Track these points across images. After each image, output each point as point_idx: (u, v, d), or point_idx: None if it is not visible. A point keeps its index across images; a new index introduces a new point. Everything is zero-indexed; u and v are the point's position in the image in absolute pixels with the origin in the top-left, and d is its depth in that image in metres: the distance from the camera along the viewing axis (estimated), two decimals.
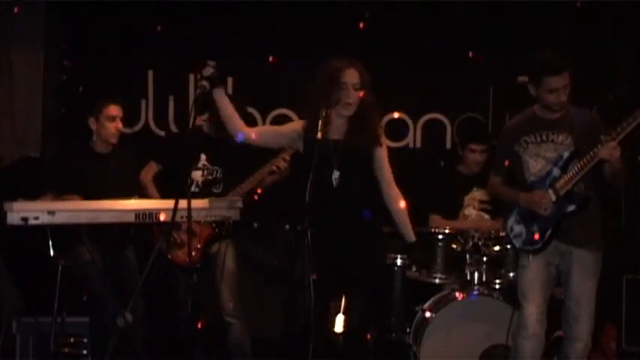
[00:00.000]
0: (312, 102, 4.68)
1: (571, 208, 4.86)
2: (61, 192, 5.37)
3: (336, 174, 4.63)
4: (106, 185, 5.52)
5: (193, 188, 5.75)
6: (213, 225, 5.63)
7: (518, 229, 5.02)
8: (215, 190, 5.75)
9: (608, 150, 4.65)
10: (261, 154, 5.86)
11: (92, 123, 5.70)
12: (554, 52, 4.84)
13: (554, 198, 4.84)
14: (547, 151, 4.94)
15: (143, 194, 5.66)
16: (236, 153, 5.78)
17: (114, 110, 5.70)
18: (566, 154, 4.86)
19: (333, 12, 6.71)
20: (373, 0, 6.61)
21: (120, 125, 5.76)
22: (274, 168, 5.62)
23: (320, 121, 4.48)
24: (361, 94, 4.69)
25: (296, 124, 4.97)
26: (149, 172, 5.90)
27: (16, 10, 6.58)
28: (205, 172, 5.80)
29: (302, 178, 4.59)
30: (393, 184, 4.90)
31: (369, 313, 4.93)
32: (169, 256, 5.65)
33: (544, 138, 4.95)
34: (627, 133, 4.64)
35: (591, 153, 4.71)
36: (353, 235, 4.70)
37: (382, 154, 4.84)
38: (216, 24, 6.85)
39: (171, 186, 5.42)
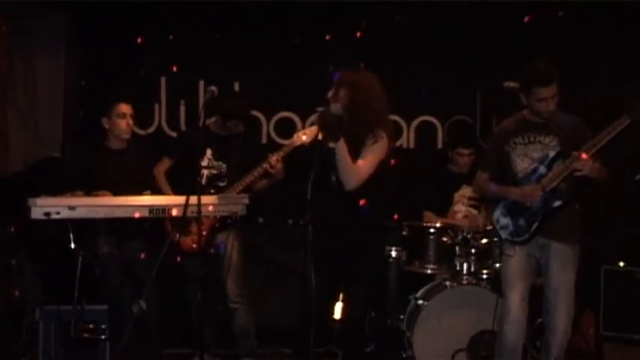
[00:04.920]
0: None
1: (557, 203, 4.89)
2: (88, 189, 5.39)
3: (334, 178, 4.57)
4: (122, 179, 5.53)
5: (204, 181, 5.77)
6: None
7: (505, 221, 5.04)
8: (220, 184, 5.77)
9: (583, 163, 4.70)
10: (262, 149, 5.88)
11: (105, 122, 5.73)
12: (544, 64, 4.86)
13: (541, 194, 4.86)
14: (534, 151, 4.96)
15: (156, 189, 5.67)
16: (239, 148, 5.82)
17: (124, 108, 5.73)
18: (552, 154, 4.89)
19: (332, 22, 6.71)
20: (371, 8, 6.60)
21: (130, 122, 5.78)
22: (267, 167, 5.61)
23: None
24: (341, 93, 4.63)
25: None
26: (162, 166, 5.94)
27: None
28: (210, 166, 5.82)
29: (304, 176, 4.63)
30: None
31: (368, 303, 4.92)
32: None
33: (532, 139, 4.98)
34: (602, 146, 4.69)
35: (567, 162, 4.76)
36: (352, 230, 4.67)
37: (369, 147, 4.65)
38: (224, 34, 6.86)
39: (182, 179, 5.49)
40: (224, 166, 5.82)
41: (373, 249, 4.87)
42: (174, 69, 6.89)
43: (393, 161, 4.94)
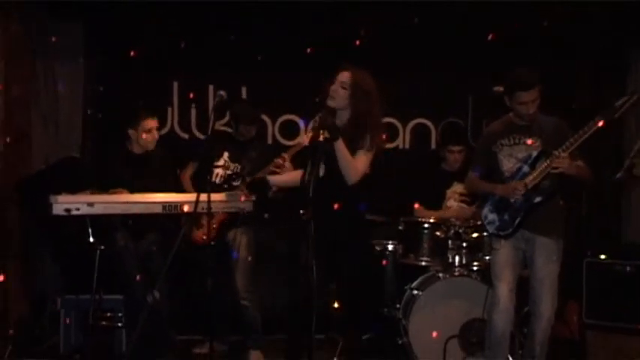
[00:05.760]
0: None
1: (538, 199, 4.94)
2: (105, 189, 5.38)
3: (322, 167, 4.46)
4: (143, 182, 5.50)
5: (218, 180, 5.86)
6: None
7: (492, 217, 5.09)
8: (234, 183, 5.83)
9: (560, 161, 4.77)
10: (277, 152, 5.91)
11: (132, 134, 5.70)
12: (526, 71, 4.92)
13: (523, 189, 4.92)
14: (519, 152, 5.02)
15: (177, 191, 5.70)
16: (254, 151, 5.89)
17: (151, 123, 5.71)
18: (534, 154, 4.95)
19: (331, 24, 6.75)
20: (371, 9, 6.64)
21: (156, 135, 5.76)
22: (275, 167, 5.66)
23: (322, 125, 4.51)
24: (347, 93, 4.59)
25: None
26: (188, 171, 6.02)
27: (54, 39, 6.66)
28: (226, 167, 5.91)
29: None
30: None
31: (362, 293, 4.90)
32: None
33: (517, 141, 5.04)
34: (579, 145, 4.76)
35: (548, 161, 4.81)
36: (343, 225, 4.64)
37: (364, 148, 4.63)
38: (232, 42, 6.90)
39: (201, 179, 5.56)
40: (239, 167, 5.90)
41: (362, 242, 4.91)
42: (191, 96, 6.94)
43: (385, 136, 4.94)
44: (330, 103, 4.60)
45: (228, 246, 5.89)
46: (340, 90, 4.61)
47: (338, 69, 4.69)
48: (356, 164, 4.61)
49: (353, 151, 4.61)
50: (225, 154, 5.95)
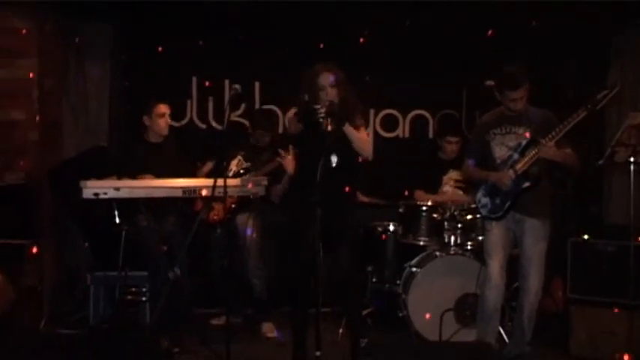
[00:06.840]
0: (303, 100, 4.76)
1: (526, 184, 4.96)
2: (131, 174, 5.39)
3: (334, 158, 4.53)
4: (159, 169, 5.50)
5: (231, 175, 5.93)
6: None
7: (485, 200, 5.12)
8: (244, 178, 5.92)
9: (546, 149, 4.82)
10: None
11: (146, 120, 5.70)
12: (514, 70, 4.95)
13: (513, 176, 4.95)
14: (510, 140, 5.04)
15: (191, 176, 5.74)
16: (265, 156, 5.95)
17: (163, 108, 5.70)
18: (524, 142, 4.97)
19: (339, 29, 6.75)
20: (373, 19, 6.63)
21: (168, 120, 5.76)
22: (278, 158, 5.74)
23: (326, 119, 4.54)
24: (337, 90, 4.70)
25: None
26: (205, 168, 6.07)
27: (77, 40, 6.69)
28: (239, 163, 5.98)
29: (303, 160, 4.73)
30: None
31: (355, 261, 4.92)
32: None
33: (508, 130, 5.05)
34: (564, 134, 4.79)
35: (536, 150, 4.83)
36: (343, 203, 4.75)
37: (362, 132, 4.80)
38: (246, 40, 6.91)
39: (219, 168, 5.60)
40: (250, 165, 6.01)
41: (354, 216, 4.97)
42: (207, 84, 6.99)
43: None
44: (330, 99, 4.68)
45: (238, 228, 5.94)
46: (332, 91, 4.72)
47: (318, 69, 4.76)
48: (366, 139, 4.82)
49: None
50: (241, 153, 6.09)
